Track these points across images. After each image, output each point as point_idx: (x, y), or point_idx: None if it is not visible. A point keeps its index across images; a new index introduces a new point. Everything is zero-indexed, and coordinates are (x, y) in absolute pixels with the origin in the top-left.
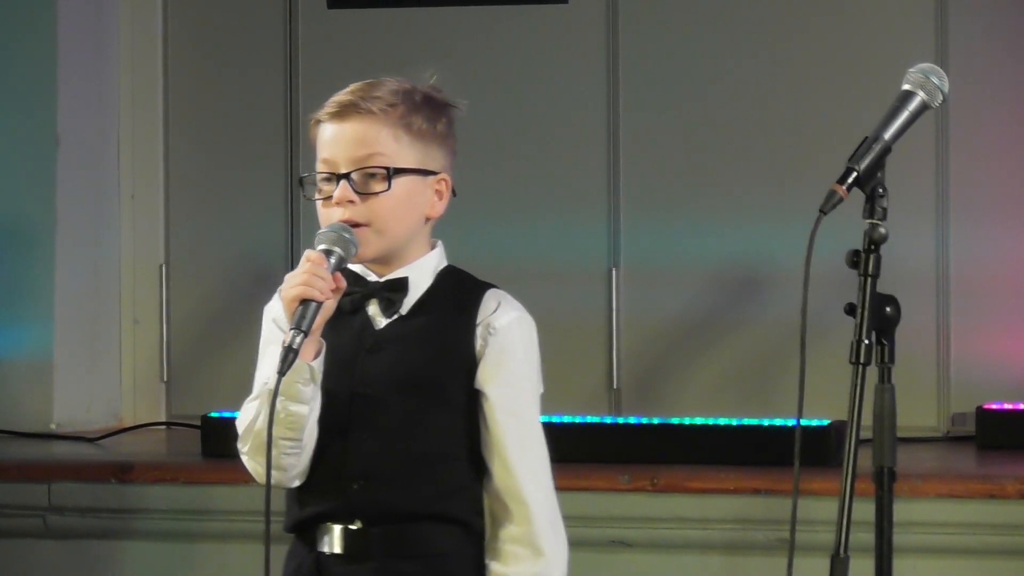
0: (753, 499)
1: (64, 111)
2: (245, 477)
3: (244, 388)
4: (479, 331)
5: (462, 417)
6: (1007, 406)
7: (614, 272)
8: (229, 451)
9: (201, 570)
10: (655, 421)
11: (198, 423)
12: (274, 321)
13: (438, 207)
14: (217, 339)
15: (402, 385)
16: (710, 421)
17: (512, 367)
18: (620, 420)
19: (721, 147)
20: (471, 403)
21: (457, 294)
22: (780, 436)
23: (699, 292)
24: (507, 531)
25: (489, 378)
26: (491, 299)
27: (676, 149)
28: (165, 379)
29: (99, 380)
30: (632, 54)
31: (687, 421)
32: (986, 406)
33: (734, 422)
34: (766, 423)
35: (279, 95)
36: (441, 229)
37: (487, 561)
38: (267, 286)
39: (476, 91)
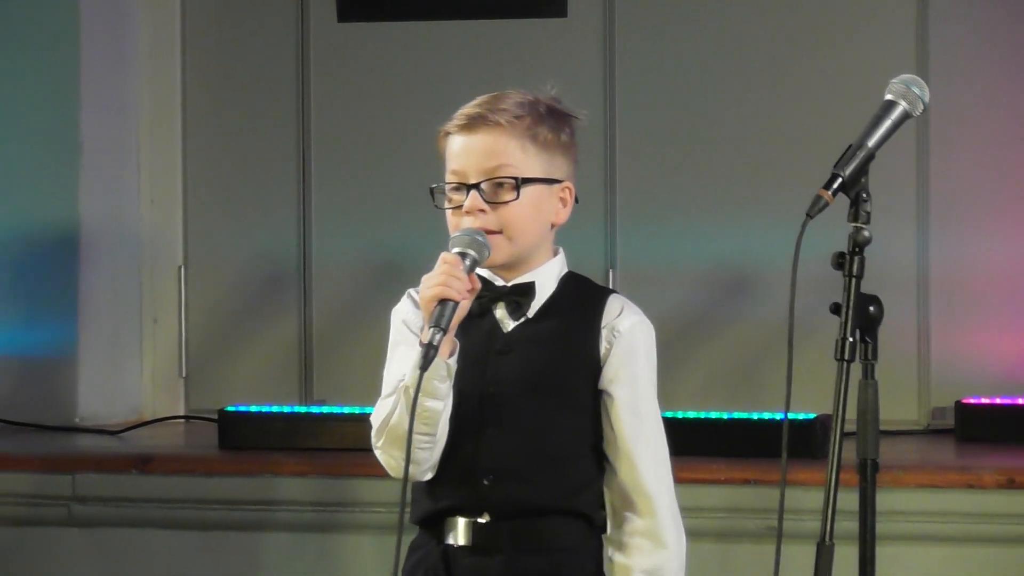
0: (743, 489)
1: (87, 119)
2: (260, 468)
3: (259, 383)
4: (603, 334)
5: (587, 416)
6: (984, 400)
7: (611, 273)
8: (245, 443)
9: (217, 557)
10: None
11: (215, 416)
12: (404, 322)
13: (563, 214)
14: (232, 336)
15: (531, 386)
16: (702, 415)
17: (635, 368)
18: None
19: (713, 154)
20: (595, 403)
21: (580, 298)
22: (768, 429)
23: (692, 292)
24: (632, 524)
25: (613, 379)
26: (614, 303)
27: (670, 156)
28: (183, 375)
29: (121, 376)
30: (628, 65)
31: (680, 415)
32: (964, 400)
33: (724, 416)
34: (755, 417)
35: (292, 105)
36: (442, 233)
37: (610, 553)
38: (280, 286)
39: None
